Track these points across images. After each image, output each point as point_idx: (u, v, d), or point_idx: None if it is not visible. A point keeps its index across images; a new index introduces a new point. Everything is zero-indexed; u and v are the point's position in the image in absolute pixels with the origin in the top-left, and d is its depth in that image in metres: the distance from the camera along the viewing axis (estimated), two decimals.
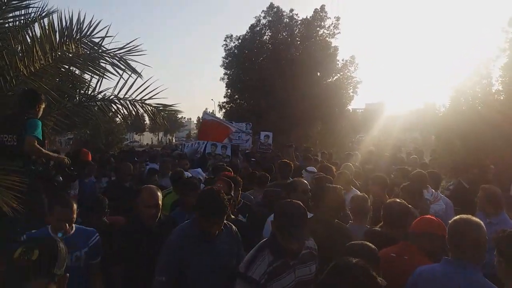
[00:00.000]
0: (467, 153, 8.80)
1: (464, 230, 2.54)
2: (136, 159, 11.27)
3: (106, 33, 5.63)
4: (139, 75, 5.58)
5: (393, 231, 3.38)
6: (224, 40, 25.31)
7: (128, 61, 5.56)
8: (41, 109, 4.23)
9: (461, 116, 9.07)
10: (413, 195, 4.40)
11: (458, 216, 2.67)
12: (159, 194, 3.51)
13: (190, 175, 6.34)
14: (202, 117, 11.72)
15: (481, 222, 2.57)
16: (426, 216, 3.27)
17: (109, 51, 5.55)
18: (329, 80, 23.50)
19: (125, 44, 5.61)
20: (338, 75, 23.79)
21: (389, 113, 44.08)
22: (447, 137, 9.82)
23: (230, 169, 6.32)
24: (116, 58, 5.50)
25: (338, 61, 23.75)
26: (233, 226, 3.20)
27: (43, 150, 4.03)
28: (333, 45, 23.64)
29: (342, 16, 23.70)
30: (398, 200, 3.71)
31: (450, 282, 2.49)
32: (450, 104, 9.74)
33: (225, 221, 3.07)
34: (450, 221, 2.68)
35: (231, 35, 25.18)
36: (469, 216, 2.63)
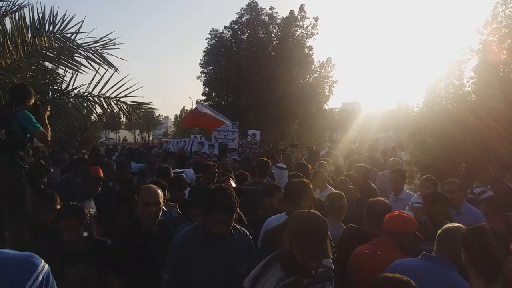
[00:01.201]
0: (439, 152, 9.04)
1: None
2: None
3: (80, 28, 5.53)
4: (116, 69, 5.50)
5: (374, 228, 3.46)
6: (209, 34, 25.03)
7: (104, 55, 5.46)
8: (31, 104, 4.18)
9: (434, 116, 9.27)
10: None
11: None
12: (160, 192, 3.39)
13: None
14: (196, 106, 11.05)
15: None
16: (399, 213, 3.34)
17: (84, 45, 5.44)
18: (306, 80, 23.65)
19: (100, 37, 5.51)
20: (315, 74, 23.96)
21: (365, 113, 44.80)
22: (420, 136, 10.03)
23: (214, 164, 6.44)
24: (91, 51, 5.40)
25: (314, 60, 23.93)
26: (247, 232, 3.01)
27: (48, 132, 4.12)
28: (309, 44, 23.80)
29: (320, 17, 23.56)
30: (381, 198, 3.84)
31: (426, 276, 2.57)
32: (424, 104, 9.95)
33: (237, 226, 2.94)
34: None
35: (216, 30, 24.92)
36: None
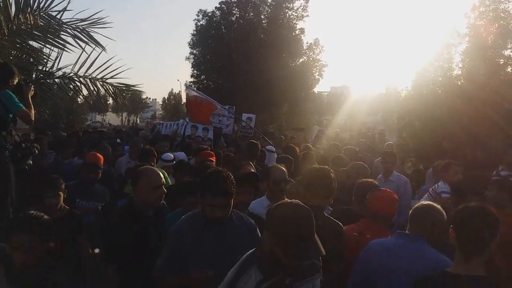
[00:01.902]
0: (426, 135, 9.15)
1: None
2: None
3: (66, 6, 5.37)
4: (103, 48, 5.38)
5: (362, 209, 3.50)
6: (196, 15, 24.61)
7: (92, 34, 5.33)
8: (14, 84, 4.07)
9: (422, 99, 9.34)
10: None
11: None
12: (161, 177, 3.23)
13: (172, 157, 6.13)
14: (186, 93, 10.78)
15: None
16: (386, 195, 3.32)
17: (71, 23, 5.30)
18: (295, 63, 23.53)
19: (88, 16, 5.37)
20: (304, 57, 23.84)
21: (354, 97, 44.89)
22: (409, 119, 10.11)
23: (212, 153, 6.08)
24: (78, 30, 5.27)
25: (304, 43, 23.76)
26: (250, 219, 2.88)
27: (32, 112, 3.99)
28: (299, 27, 23.60)
29: None
30: (370, 179, 3.88)
31: (403, 251, 2.64)
32: (412, 87, 10.00)
33: (241, 214, 2.85)
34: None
35: (204, 11, 24.45)
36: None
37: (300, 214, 2.03)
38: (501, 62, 8.64)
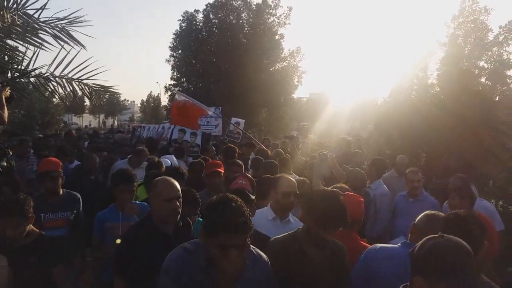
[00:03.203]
0: (402, 143, 9.35)
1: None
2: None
3: (45, 4, 5.25)
4: (83, 47, 5.27)
5: None
6: (182, 16, 24.51)
7: (71, 32, 5.23)
8: None
9: (397, 107, 9.53)
10: None
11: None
12: (178, 185, 2.89)
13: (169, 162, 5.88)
14: (174, 98, 10.18)
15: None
16: (353, 200, 3.29)
17: (49, 22, 5.19)
18: (275, 68, 23.67)
19: (67, 15, 5.27)
20: (284, 63, 24.01)
21: (333, 104, 45.40)
22: (385, 127, 10.30)
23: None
24: (57, 29, 5.16)
25: (284, 49, 23.95)
26: (263, 255, 2.31)
27: (4, 112, 3.79)
28: (280, 32, 23.77)
29: (293, 6, 23.63)
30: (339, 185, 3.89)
31: (405, 262, 2.62)
32: (390, 95, 10.21)
33: (252, 248, 2.24)
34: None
35: (190, 12, 24.43)
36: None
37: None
38: (476, 72, 8.94)
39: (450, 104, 8.40)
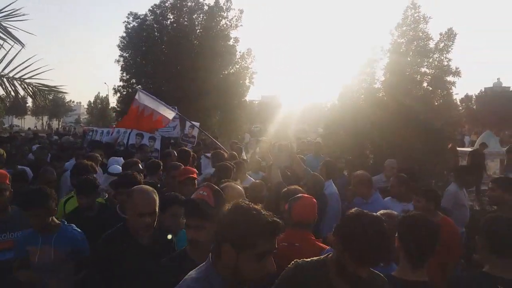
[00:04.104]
0: (350, 144, 9.69)
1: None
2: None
3: None
4: (22, 45, 4.95)
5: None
6: (127, 18, 23.75)
7: (8, 29, 4.90)
8: None
9: (346, 110, 9.86)
10: None
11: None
12: (156, 197, 2.79)
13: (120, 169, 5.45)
14: (134, 98, 9.30)
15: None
16: (307, 202, 3.35)
17: None
18: (228, 71, 23.65)
19: (2, 7, 4.91)
20: (237, 66, 24.06)
21: (284, 106, 46.17)
22: (333, 128, 10.61)
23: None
24: None
25: (237, 52, 24.00)
26: None
27: None
28: (234, 36, 23.78)
29: (244, 9, 23.58)
30: (295, 186, 3.96)
31: None
32: (339, 98, 10.54)
33: None
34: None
35: (135, 13, 23.70)
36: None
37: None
38: (418, 78, 9.42)
39: (395, 108, 8.82)
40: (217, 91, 21.25)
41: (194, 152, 8.30)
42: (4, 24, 4.85)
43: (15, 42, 4.85)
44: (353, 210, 2.22)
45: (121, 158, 6.65)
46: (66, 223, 3.47)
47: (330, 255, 2.30)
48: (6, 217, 3.72)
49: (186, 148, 7.46)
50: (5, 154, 6.89)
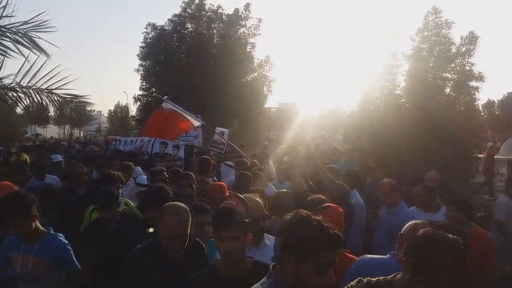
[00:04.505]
0: (372, 151, 9.54)
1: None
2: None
3: (5, 8, 4.95)
4: (47, 56, 5.02)
5: None
6: (145, 28, 24.15)
7: (35, 40, 4.98)
8: None
9: (366, 116, 9.72)
10: None
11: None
12: (188, 218, 2.69)
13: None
14: (160, 106, 9.19)
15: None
16: (333, 212, 3.24)
17: (11, 26, 4.90)
18: (246, 79, 23.74)
19: (30, 18, 4.99)
20: (254, 74, 24.13)
21: (302, 113, 45.91)
22: (355, 135, 10.47)
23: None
24: (20, 34, 4.89)
25: (255, 60, 24.08)
26: None
27: None
28: (251, 41, 23.86)
29: (262, 17, 23.67)
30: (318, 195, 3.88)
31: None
32: (359, 105, 10.42)
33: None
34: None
35: (153, 24, 24.06)
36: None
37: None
38: (440, 84, 9.23)
39: (416, 115, 8.66)
40: (236, 99, 21.37)
41: (222, 159, 8.28)
42: (29, 34, 4.94)
43: (40, 53, 4.93)
44: (425, 229, 2.04)
45: (139, 167, 6.65)
46: (52, 231, 3.28)
47: (398, 275, 2.10)
48: None
49: (207, 157, 7.43)
50: (28, 160, 6.99)
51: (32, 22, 4.96)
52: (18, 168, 5.91)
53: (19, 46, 4.88)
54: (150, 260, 2.64)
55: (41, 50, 4.96)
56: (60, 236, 3.26)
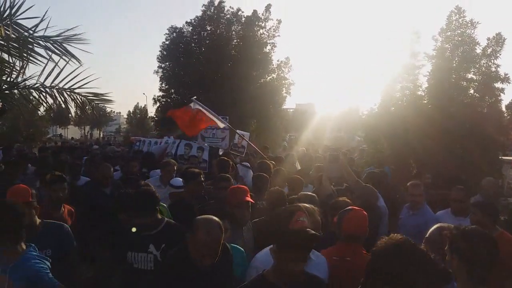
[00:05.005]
0: (392, 152, 9.44)
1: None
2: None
3: (42, 19, 5.13)
4: (80, 62, 5.17)
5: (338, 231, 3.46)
6: (168, 30, 24.42)
7: (65, 46, 5.14)
8: None
9: (386, 117, 9.61)
10: None
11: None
12: (221, 234, 2.62)
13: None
14: (188, 105, 9.05)
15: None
16: (358, 215, 3.27)
17: (47, 37, 5.08)
18: (265, 80, 23.76)
19: (63, 31, 5.18)
20: (273, 75, 24.13)
21: (319, 114, 45.70)
22: (374, 136, 10.37)
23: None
24: (51, 42, 5.06)
25: (273, 61, 24.08)
26: None
27: None
28: (271, 41, 23.84)
29: (281, 18, 23.62)
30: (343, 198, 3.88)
31: None
32: (379, 105, 10.30)
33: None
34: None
35: (175, 27, 24.36)
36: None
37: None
38: (464, 85, 9.06)
39: (438, 116, 8.52)
40: (254, 100, 21.43)
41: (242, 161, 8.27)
42: (63, 43, 5.08)
43: (72, 60, 5.06)
44: (467, 226, 2.20)
45: (158, 170, 6.67)
46: (32, 250, 2.90)
47: None
48: (34, 234, 3.37)
49: (226, 158, 7.45)
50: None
51: (65, 35, 5.11)
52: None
53: (50, 52, 5.03)
54: (179, 269, 2.66)
55: (75, 58, 5.11)
56: (37, 259, 2.87)
